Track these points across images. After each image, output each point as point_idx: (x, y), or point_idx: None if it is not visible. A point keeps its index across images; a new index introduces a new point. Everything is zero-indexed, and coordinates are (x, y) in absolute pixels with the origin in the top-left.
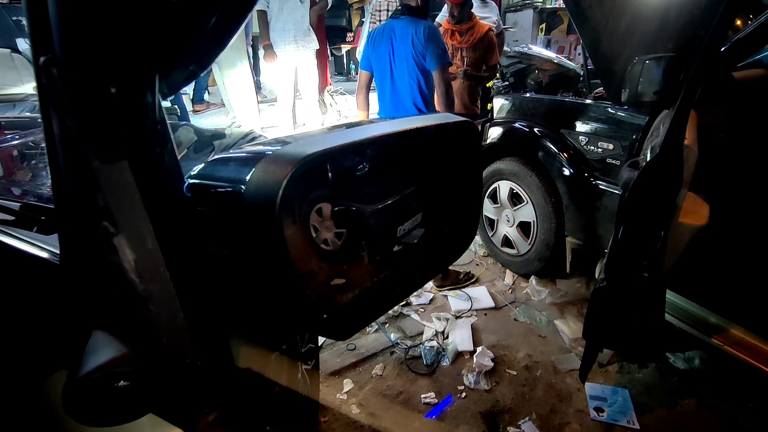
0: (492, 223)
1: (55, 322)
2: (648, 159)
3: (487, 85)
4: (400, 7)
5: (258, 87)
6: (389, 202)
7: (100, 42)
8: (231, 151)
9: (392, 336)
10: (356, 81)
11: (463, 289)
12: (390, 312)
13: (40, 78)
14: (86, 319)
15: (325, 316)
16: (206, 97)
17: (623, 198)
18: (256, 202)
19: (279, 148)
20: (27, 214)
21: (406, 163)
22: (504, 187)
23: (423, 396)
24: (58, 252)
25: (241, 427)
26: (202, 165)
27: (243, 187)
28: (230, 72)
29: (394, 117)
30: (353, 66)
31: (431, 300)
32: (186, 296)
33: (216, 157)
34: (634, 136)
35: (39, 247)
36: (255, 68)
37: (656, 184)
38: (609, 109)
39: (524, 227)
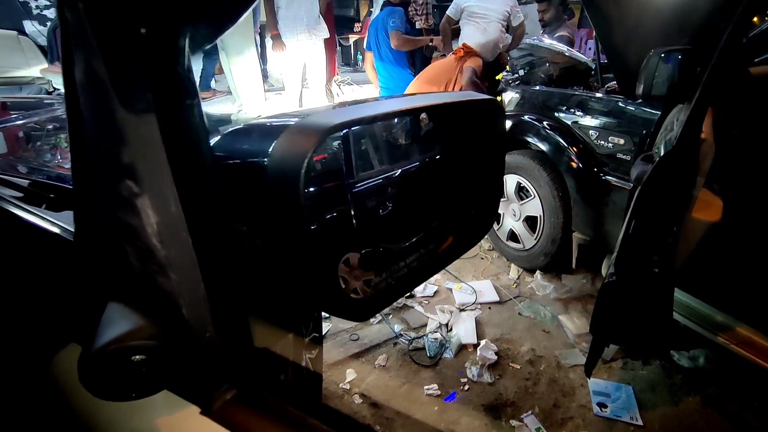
0: (498, 216)
1: (67, 296)
2: (662, 153)
3: (497, 77)
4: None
5: (265, 75)
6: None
7: None
8: (249, 122)
9: (396, 327)
10: (364, 72)
11: (468, 283)
12: (394, 303)
13: (63, 13)
14: (101, 291)
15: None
16: (213, 84)
17: (635, 192)
18: (280, 174)
19: (301, 119)
20: (36, 191)
21: (428, 149)
22: (511, 181)
23: (426, 387)
24: (68, 228)
25: (261, 405)
26: (218, 137)
27: (265, 159)
28: (237, 60)
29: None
30: (360, 56)
31: (435, 292)
32: (207, 266)
33: (232, 128)
34: (645, 131)
35: (49, 221)
36: (262, 56)
37: (671, 177)
38: (620, 104)
39: (530, 221)
